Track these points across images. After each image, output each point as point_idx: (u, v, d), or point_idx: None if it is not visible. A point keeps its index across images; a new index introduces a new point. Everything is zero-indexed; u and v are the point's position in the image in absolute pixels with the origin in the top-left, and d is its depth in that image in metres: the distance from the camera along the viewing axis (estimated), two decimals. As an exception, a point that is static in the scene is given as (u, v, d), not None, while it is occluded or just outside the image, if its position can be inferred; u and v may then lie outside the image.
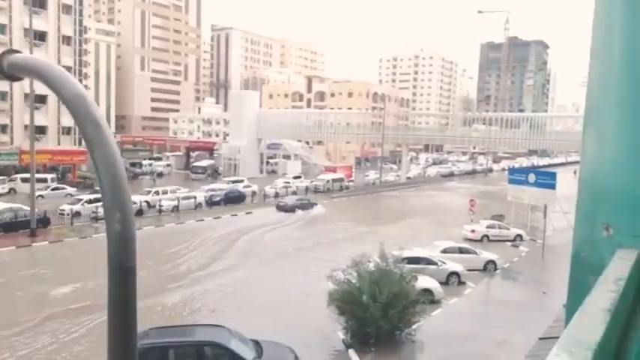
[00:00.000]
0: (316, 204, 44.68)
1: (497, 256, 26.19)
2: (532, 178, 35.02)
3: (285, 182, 55.25)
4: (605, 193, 1.73)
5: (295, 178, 59.43)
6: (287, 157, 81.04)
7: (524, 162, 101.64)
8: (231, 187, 48.52)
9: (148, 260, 23.63)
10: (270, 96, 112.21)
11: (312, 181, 57.61)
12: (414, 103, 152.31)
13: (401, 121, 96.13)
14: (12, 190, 44.86)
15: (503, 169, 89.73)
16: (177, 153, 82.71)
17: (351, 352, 15.71)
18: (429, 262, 22.44)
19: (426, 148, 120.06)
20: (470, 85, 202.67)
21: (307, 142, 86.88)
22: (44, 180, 45.05)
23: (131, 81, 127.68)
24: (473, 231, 32.47)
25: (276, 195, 49.57)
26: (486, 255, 26.02)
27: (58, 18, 52.44)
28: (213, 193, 45.03)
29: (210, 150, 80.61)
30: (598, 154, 1.81)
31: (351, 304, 15.94)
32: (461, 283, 22.82)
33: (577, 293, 1.82)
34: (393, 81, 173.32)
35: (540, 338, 10.43)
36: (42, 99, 49.09)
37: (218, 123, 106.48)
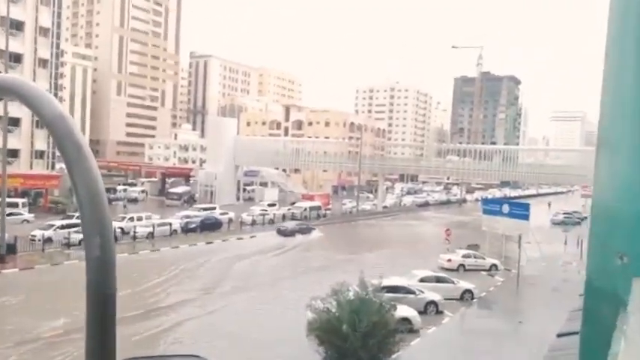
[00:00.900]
0: (314, 229, 47.07)
1: (473, 286, 26.46)
2: (506, 208, 35.77)
3: (262, 210, 54.98)
4: (619, 220, 1.66)
5: (270, 205, 59.21)
6: (264, 184, 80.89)
7: (496, 193, 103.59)
8: (207, 214, 48.04)
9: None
10: (248, 123, 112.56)
11: (289, 209, 57.53)
12: (389, 134, 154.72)
13: (377, 151, 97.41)
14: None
15: (477, 200, 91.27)
16: (153, 179, 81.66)
17: (332, 382, 15.51)
18: (407, 291, 22.51)
19: (402, 178, 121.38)
20: (444, 117, 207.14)
21: (284, 170, 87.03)
22: (15, 204, 43.81)
23: (107, 105, 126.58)
24: (449, 260, 32.78)
25: (253, 222, 49.42)
26: (463, 284, 26.27)
27: (35, 40, 51.98)
28: (189, 219, 44.48)
29: (186, 176, 79.93)
30: (611, 181, 1.76)
31: (331, 334, 15.81)
32: (439, 312, 22.92)
33: (591, 321, 1.86)
34: (369, 111, 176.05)
35: None
36: (15, 122, 48.16)
37: (195, 149, 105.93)
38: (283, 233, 44.24)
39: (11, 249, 30.45)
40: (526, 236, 33.86)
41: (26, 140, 51.28)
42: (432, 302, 22.99)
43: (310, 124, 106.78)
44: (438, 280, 25.95)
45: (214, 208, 52.42)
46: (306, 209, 57.21)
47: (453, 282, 26.07)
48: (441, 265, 32.26)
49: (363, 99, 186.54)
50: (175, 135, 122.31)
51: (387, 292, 19.10)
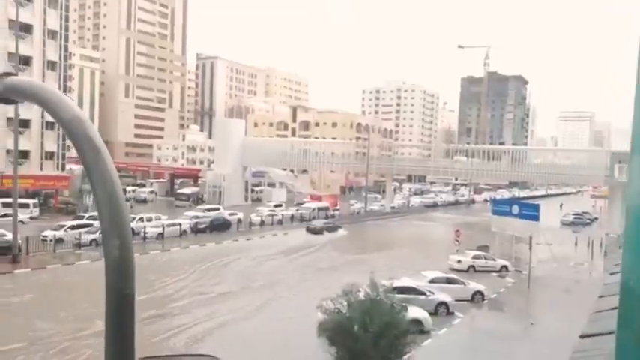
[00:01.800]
0: (340, 227, 49.46)
1: (484, 287, 26.33)
2: (516, 209, 35.62)
3: (271, 210, 55.18)
4: None
5: (276, 206, 59.45)
6: (272, 185, 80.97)
7: (505, 194, 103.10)
8: (216, 215, 48.28)
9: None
10: (255, 124, 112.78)
11: (297, 210, 57.55)
12: (396, 135, 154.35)
13: (384, 152, 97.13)
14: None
15: (486, 201, 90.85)
16: (162, 180, 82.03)
17: (343, 383, 15.49)
18: (418, 292, 22.43)
19: (409, 179, 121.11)
20: (451, 117, 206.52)
21: (292, 171, 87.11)
22: (26, 205, 44.20)
23: (115, 107, 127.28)
24: (459, 261, 32.64)
25: (262, 223, 49.62)
26: (474, 285, 26.14)
27: (44, 43, 52.38)
28: (198, 220, 44.70)
29: (194, 177, 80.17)
30: None
31: (342, 334, 15.77)
32: (449, 313, 22.82)
33: (627, 322, 1.85)
34: (376, 112, 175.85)
35: None
36: (25, 123, 48.56)
37: (202, 150, 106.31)
38: (312, 231, 46.93)
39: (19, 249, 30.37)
40: (536, 237, 33.65)
41: (36, 142, 51.70)
42: (443, 303, 22.89)
43: (317, 125, 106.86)
44: (449, 281, 25.84)
45: (218, 209, 52.74)
46: (314, 210, 57.20)
47: (463, 283, 25.94)
48: (450, 266, 32.12)
49: (370, 99, 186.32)
50: (183, 136, 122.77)
51: (398, 292, 19.05)
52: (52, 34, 53.67)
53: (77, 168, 66.07)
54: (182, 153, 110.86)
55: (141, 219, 41.12)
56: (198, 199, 67.02)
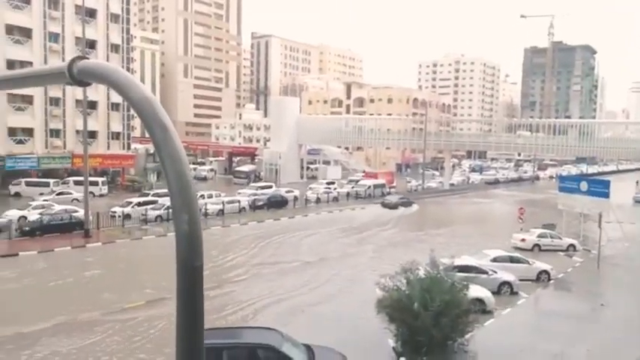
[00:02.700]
0: (414, 202, 51.35)
1: (550, 266, 25.23)
2: (584, 186, 33.73)
3: (326, 188, 55.56)
4: None
5: (329, 183, 59.93)
6: (327, 162, 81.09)
7: (572, 169, 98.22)
8: (273, 192, 49.09)
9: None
10: (310, 102, 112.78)
11: (352, 187, 57.39)
12: (455, 109, 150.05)
13: (442, 127, 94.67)
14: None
15: (551, 177, 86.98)
16: (220, 158, 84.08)
17: (403, 360, 15.38)
18: (479, 270, 21.80)
19: (469, 155, 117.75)
20: (513, 90, 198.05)
21: (347, 148, 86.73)
22: (96, 183, 46.56)
23: (175, 88, 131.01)
24: (523, 240, 31.45)
25: (318, 200, 49.90)
26: (539, 265, 25.11)
27: (107, 27, 54.24)
28: (256, 197, 45.59)
29: (251, 155, 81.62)
30: None
31: (402, 312, 15.59)
32: (513, 293, 22.07)
33: None
34: (433, 87, 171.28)
35: None
36: (92, 105, 50.85)
37: (259, 129, 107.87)
38: (388, 206, 48.70)
39: (79, 225, 31.67)
40: (606, 215, 31.80)
41: (103, 122, 54.08)
42: (506, 283, 22.14)
43: (372, 101, 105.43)
44: (512, 260, 24.94)
45: (271, 186, 53.63)
46: (370, 187, 56.82)
47: (528, 262, 24.96)
48: (514, 245, 31.04)
49: (427, 74, 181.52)
50: (240, 115, 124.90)
51: (458, 271, 18.60)
52: (115, 18, 55.47)
53: (141, 147, 68.89)
54: (239, 131, 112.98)
55: (202, 196, 42.36)
56: (256, 177, 68.25)
